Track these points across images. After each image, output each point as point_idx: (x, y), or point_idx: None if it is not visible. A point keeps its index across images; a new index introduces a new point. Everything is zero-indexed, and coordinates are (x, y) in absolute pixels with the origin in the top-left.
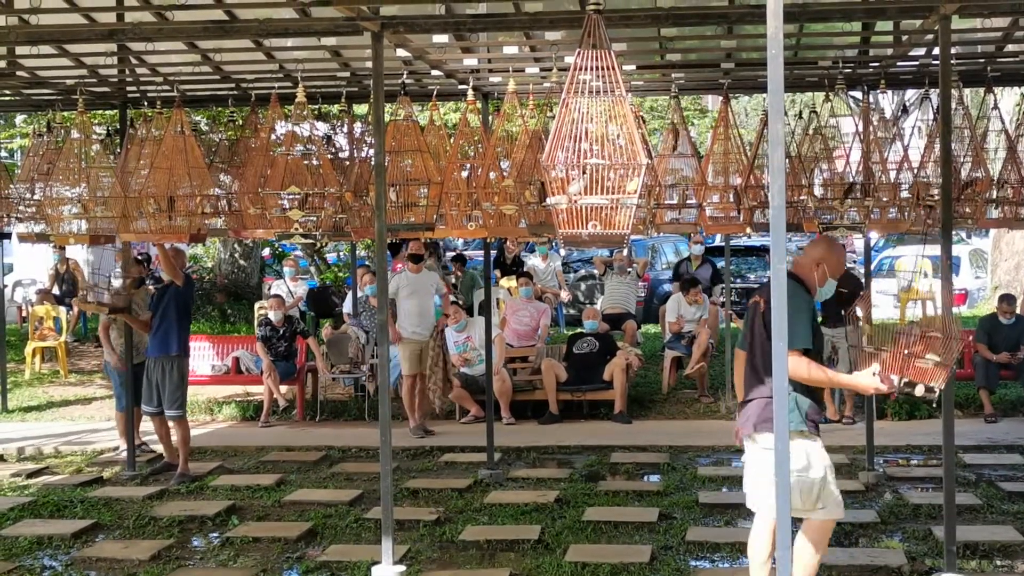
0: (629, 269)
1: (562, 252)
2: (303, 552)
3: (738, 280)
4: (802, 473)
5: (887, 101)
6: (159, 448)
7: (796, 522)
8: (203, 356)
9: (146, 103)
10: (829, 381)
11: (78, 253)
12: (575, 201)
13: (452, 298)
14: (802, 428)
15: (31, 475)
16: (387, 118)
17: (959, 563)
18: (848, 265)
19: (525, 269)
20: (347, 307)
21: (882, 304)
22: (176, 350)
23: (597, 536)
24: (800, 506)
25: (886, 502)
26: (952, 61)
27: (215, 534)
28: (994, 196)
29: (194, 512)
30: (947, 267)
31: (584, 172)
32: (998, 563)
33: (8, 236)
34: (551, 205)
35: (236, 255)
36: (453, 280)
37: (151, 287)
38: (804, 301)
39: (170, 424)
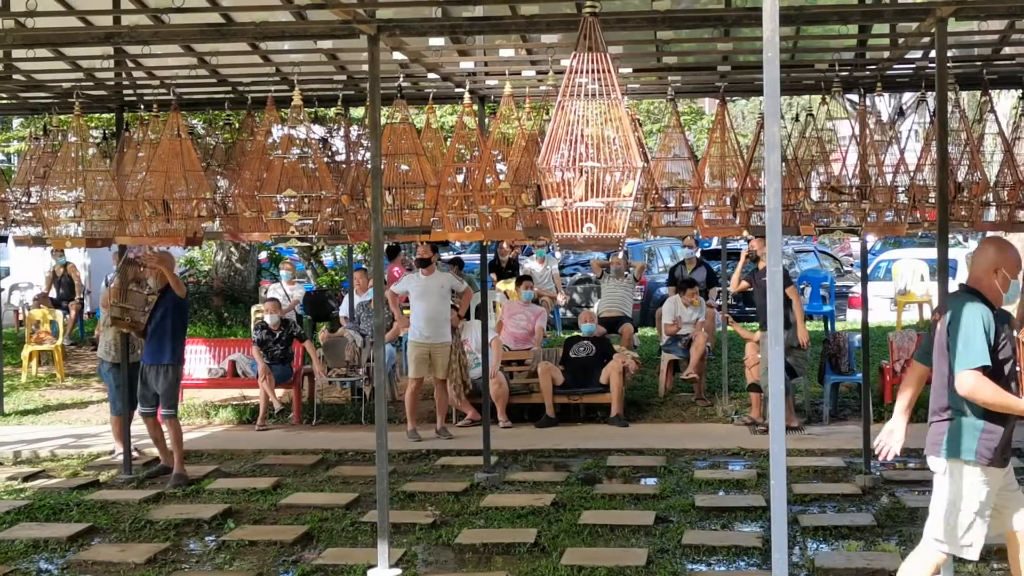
0: (626, 272)
1: (558, 255)
2: (299, 555)
3: None
4: (960, 506)
5: (884, 104)
6: (152, 451)
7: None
8: (199, 360)
9: (142, 106)
10: (1011, 406)
11: (76, 257)
12: (571, 204)
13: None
14: (970, 457)
15: (27, 478)
16: (383, 121)
17: (955, 566)
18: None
19: (522, 272)
20: (344, 310)
21: (878, 308)
22: (169, 359)
23: (593, 539)
24: (945, 538)
25: (883, 505)
26: (948, 64)
27: (211, 537)
28: (990, 199)
29: (190, 515)
30: (943, 270)
31: (581, 174)
32: (994, 566)
33: (4, 240)
34: (547, 208)
35: (233, 259)
36: None
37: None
38: (980, 314)
39: (163, 425)
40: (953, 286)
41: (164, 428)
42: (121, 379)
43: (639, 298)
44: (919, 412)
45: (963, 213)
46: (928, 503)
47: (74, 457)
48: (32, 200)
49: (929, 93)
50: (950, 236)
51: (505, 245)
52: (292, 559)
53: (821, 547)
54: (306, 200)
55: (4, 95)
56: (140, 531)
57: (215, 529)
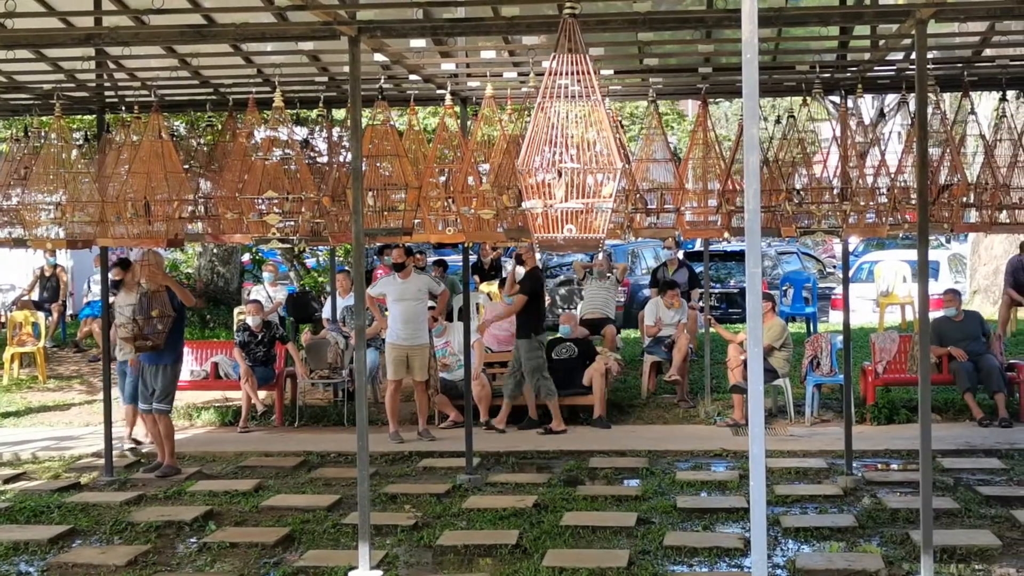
0: (609, 274)
1: (537, 256)
2: (280, 557)
3: (717, 285)
4: None
5: (866, 106)
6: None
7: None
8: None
9: (124, 108)
10: None
11: (59, 258)
12: (550, 205)
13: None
14: None
15: (8, 480)
16: (365, 123)
17: (936, 567)
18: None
19: (505, 274)
20: (327, 312)
21: (861, 309)
22: (169, 359)
23: (575, 541)
24: None
25: (864, 506)
26: (929, 66)
27: (192, 539)
28: (971, 201)
29: (171, 517)
30: (924, 271)
31: (560, 176)
32: (976, 567)
33: None
34: (527, 209)
35: (215, 261)
36: None
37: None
38: None
39: (156, 420)
40: (935, 287)
41: (155, 419)
42: (103, 376)
43: (622, 300)
44: (902, 414)
45: (944, 214)
46: (910, 503)
47: (55, 459)
48: (13, 202)
49: (910, 95)
50: (932, 238)
51: (487, 247)
52: (273, 561)
53: (803, 548)
54: (287, 201)
55: None
56: (121, 533)
57: (196, 531)
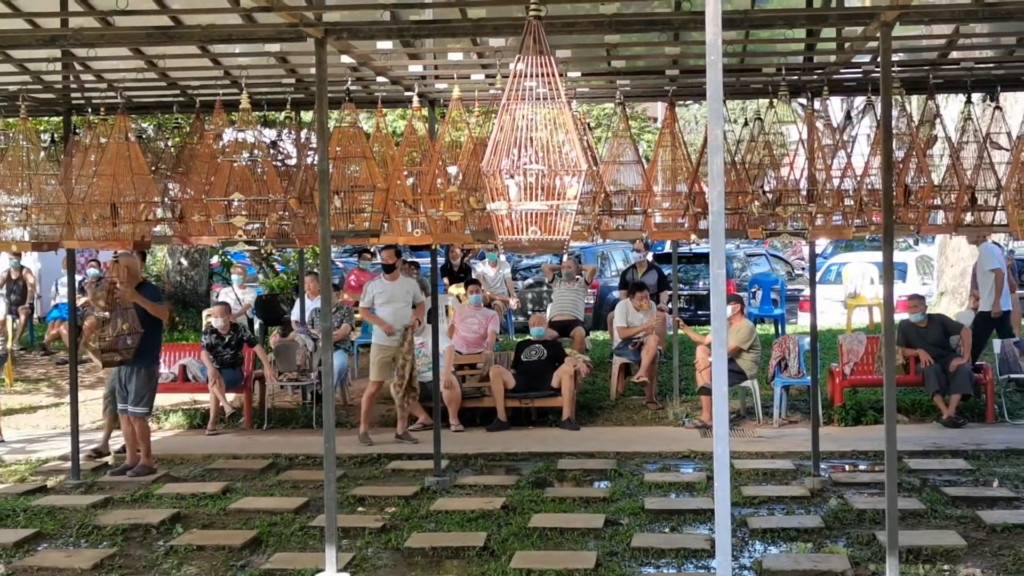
0: (577, 276)
1: (501, 258)
2: (248, 560)
3: (686, 287)
4: None
5: (833, 109)
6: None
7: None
8: None
9: (91, 109)
10: None
11: (25, 260)
12: (514, 207)
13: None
14: None
15: None
16: (332, 124)
17: (902, 567)
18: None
19: (474, 276)
20: (295, 314)
21: (829, 311)
22: (141, 364)
23: (543, 543)
24: None
25: (831, 507)
26: (895, 68)
27: (160, 542)
28: (937, 203)
29: (138, 520)
30: (889, 272)
31: (525, 177)
32: (941, 567)
33: None
34: (492, 211)
35: (183, 264)
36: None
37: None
38: None
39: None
40: (903, 289)
41: (131, 420)
42: (71, 378)
43: (591, 302)
44: (869, 415)
45: (911, 216)
46: (876, 504)
47: (22, 462)
48: None
49: (876, 97)
50: (901, 239)
51: (456, 249)
52: (241, 564)
53: (770, 549)
54: (255, 203)
55: None
56: (87, 536)
57: (163, 534)
